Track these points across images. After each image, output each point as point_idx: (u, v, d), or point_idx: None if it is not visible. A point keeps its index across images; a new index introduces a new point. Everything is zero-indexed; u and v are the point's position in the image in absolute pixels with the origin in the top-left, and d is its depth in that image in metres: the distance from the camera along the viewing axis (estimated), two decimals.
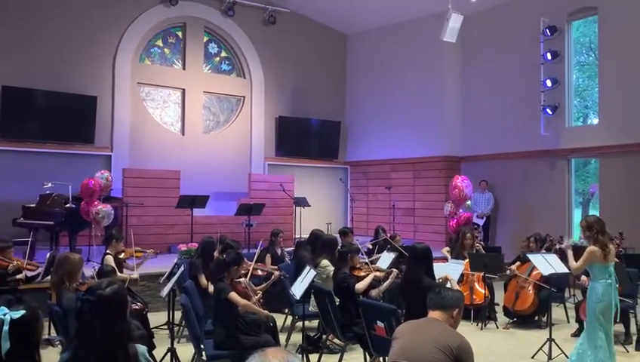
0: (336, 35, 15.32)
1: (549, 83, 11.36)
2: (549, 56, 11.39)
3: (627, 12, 10.30)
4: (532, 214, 11.54)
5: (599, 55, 11.22)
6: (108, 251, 6.78)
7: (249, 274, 5.88)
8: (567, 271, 6.31)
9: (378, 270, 6.16)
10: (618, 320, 5.54)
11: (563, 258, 6.31)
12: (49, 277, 5.93)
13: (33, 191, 9.84)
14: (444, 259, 8.10)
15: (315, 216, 12.48)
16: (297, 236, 11.74)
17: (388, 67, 14.24)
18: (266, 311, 5.25)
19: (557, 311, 7.79)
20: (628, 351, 6.41)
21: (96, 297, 2.65)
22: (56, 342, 6.10)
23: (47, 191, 9.52)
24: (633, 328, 6.85)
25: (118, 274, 6.44)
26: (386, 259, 7.06)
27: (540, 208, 11.44)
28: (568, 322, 7.72)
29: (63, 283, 4.99)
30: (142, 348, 2.73)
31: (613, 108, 10.54)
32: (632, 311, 7.04)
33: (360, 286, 5.65)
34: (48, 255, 6.83)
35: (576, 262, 5.25)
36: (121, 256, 6.84)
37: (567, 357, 5.54)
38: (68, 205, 9.16)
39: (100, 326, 2.59)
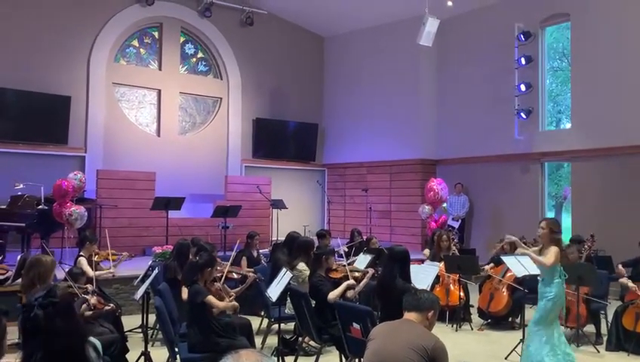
0: (314, 38, 15.34)
1: (523, 87, 11.51)
2: (523, 61, 11.54)
3: (598, 18, 10.50)
4: (506, 217, 11.67)
5: (571, 60, 11.43)
6: (81, 253, 6.67)
7: (224, 276, 5.83)
8: (539, 272, 6.41)
9: (354, 270, 6.13)
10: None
11: None
12: (19, 280, 5.81)
13: (4, 192, 9.64)
14: (420, 261, 8.14)
15: (292, 218, 12.45)
16: (274, 238, 11.68)
17: (364, 70, 14.30)
18: (233, 302, 5.21)
19: (530, 313, 7.87)
20: (599, 351, 6.53)
21: (54, 300, 2.61)
22: None
23: (19, 193, 9.33)
24: (604, 328, 6.98)
25: (92, 272, 6.33)
26: (362, 261, 7.08)
27: (514, 211, 11.57)
28: None
29: (34, 286, 4.87)
30: (93, 340, 2.73)
31: (585, 113, 10.73)
32: (602, 311, 7.19)
33: (332, 296, 5.44)
34: (19, 257, 6.69)
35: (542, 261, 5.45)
36: (95, 258, 6.74)
37: None
38: (40, 206, 8.99)
39: (67, 326, 2.56)
